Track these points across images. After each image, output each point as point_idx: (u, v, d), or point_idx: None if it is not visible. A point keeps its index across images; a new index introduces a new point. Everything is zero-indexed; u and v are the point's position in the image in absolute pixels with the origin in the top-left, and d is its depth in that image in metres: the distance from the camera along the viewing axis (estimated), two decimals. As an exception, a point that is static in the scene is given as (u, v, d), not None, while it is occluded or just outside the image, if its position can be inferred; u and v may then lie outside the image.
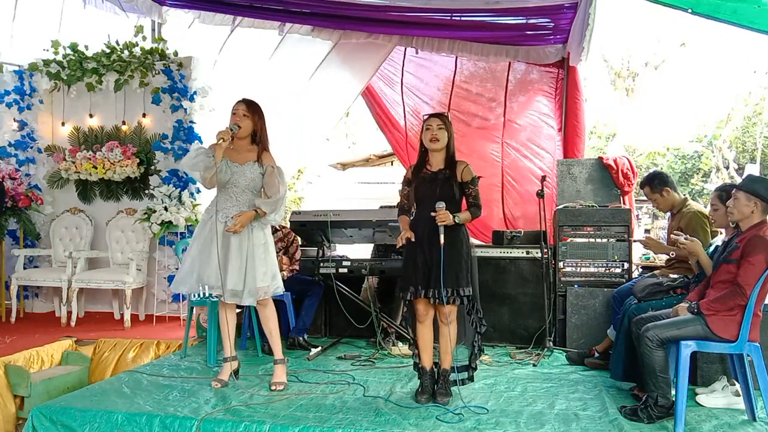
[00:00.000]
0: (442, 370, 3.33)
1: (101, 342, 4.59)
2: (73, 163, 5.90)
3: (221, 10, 5.72)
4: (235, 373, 3.64)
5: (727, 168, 15.36)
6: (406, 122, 6.43)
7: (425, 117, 3.38)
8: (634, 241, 4.73)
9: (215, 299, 3.59)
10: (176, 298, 5.67)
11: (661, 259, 4.61)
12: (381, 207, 5.05)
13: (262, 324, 3.61)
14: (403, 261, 3.35)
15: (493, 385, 3.58)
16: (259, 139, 3.57)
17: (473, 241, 3.75)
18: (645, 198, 4.37)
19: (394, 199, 5.10)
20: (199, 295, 3.48)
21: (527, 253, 4.76)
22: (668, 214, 4.29)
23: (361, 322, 4.54)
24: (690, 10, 3.62)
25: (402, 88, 6.37)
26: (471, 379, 3.42)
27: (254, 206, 3.48)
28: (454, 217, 3.15)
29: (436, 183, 3.26)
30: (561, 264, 4.65)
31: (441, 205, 3.14)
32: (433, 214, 3.13)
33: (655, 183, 4.12)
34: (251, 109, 3.53)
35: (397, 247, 3.30)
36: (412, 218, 3.37)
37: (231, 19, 5.77)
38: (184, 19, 6.06)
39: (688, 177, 16.71)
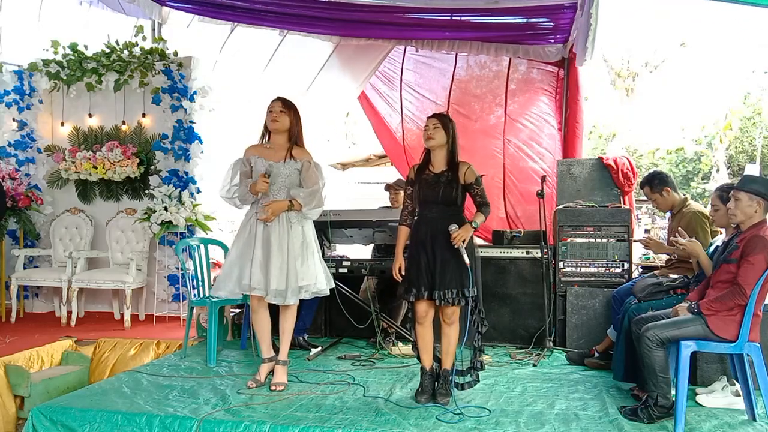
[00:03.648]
0: (442, 371, 3.32)
1: (101, 342, 4.59)
2: (73, 163, 5.90)
3: (220, 16, 5.70)
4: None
5: (727, 168, 15.38)
6: (403, 128, 6.40)
7: (427, 117, 3.38)
8: (634, 241, 4.73)
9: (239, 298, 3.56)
10: (176, 298, 5.67)
11: (661, 259, 4.61)
12: (380, 208, 5.04)
13: (280, 322, 3.56)
14: (406, 262, 3.33)
15: (493, 385, 3.58)
16: (294, 135, 3.55)
17: (476, 240, 3.74)
18: (645, 198, 4.37)
19: (394, 199, 5.09)
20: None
21: (527, 253, 4.76)
22: (668, 214, 4.29)
23: (361, 322, 4.54)
24: None
25: (401, 84, 6.34)
26: (477, 380, 3.36)
27: (290, 197, 3.46)
28: (471, 223, 3.16)
29: (439, 186, 3.25)
30: (561, 264, 4.65)
31: (453, 227, 3.13)
32: (452, 236, 3.12)
33: (655, 183, 4.12)
34: (287, 105, 3.54)
35: (395, 275, 3.31)
36: (415, 219, 3.36)
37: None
38: (184, 19, 6.06)
39: (689, 179, 16.73)
